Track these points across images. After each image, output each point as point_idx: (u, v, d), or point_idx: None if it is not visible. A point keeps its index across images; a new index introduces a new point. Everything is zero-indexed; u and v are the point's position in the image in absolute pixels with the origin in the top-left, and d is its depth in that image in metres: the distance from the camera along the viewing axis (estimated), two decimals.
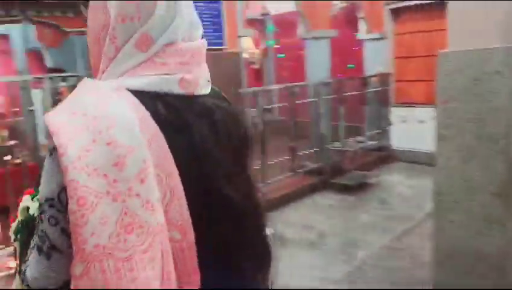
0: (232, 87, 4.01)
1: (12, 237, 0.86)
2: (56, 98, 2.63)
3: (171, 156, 0.69)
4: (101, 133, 0.64)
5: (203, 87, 0.78)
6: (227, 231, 0.77)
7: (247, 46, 7.91)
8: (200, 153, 0.73)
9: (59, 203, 0.66)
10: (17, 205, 0.86)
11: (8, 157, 4.81)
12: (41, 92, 3.75)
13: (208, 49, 0.82)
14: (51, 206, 0.67)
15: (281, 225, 4.09)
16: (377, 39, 6.25)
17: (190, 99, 0.75)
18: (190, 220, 0.69)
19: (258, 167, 4.41)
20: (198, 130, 0.73)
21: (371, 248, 3.54)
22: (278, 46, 8.63)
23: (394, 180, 5.37)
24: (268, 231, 0.89)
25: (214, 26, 3.66)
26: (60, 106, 0.70)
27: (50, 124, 0.66)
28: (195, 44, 0.78)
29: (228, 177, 0.76)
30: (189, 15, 0.78)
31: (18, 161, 4.24)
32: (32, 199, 0.84)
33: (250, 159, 0.87)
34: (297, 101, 4.90)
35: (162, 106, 0.72)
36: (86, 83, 0.73)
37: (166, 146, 0.69)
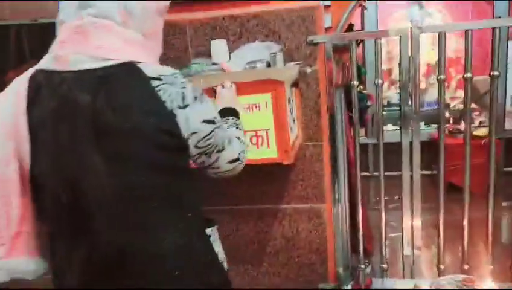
0: None
1: None
2: None
3: (25, 126, 0.83)
4: None
5: (80, 63, 0.83)
6: (76, 217, 0.84)
7: None
8: (47, 122, 0.83)
9: None
10: None
11: (461, 126, 3.83)
12: None
13: None
14: None
15: None
16: None
17: (60, 75, 0.83)
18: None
19: None
20: (48, 103, 0.83)
21: None
22: None
23: None
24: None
25: None
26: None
27: None
28: (75, 23, 0.84)
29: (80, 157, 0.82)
30: None
31: (476, 132, 3.48)
32: None
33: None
34: None
35: (35, 82, 0.85)
36: None
37: (24, 119, 0.83)
